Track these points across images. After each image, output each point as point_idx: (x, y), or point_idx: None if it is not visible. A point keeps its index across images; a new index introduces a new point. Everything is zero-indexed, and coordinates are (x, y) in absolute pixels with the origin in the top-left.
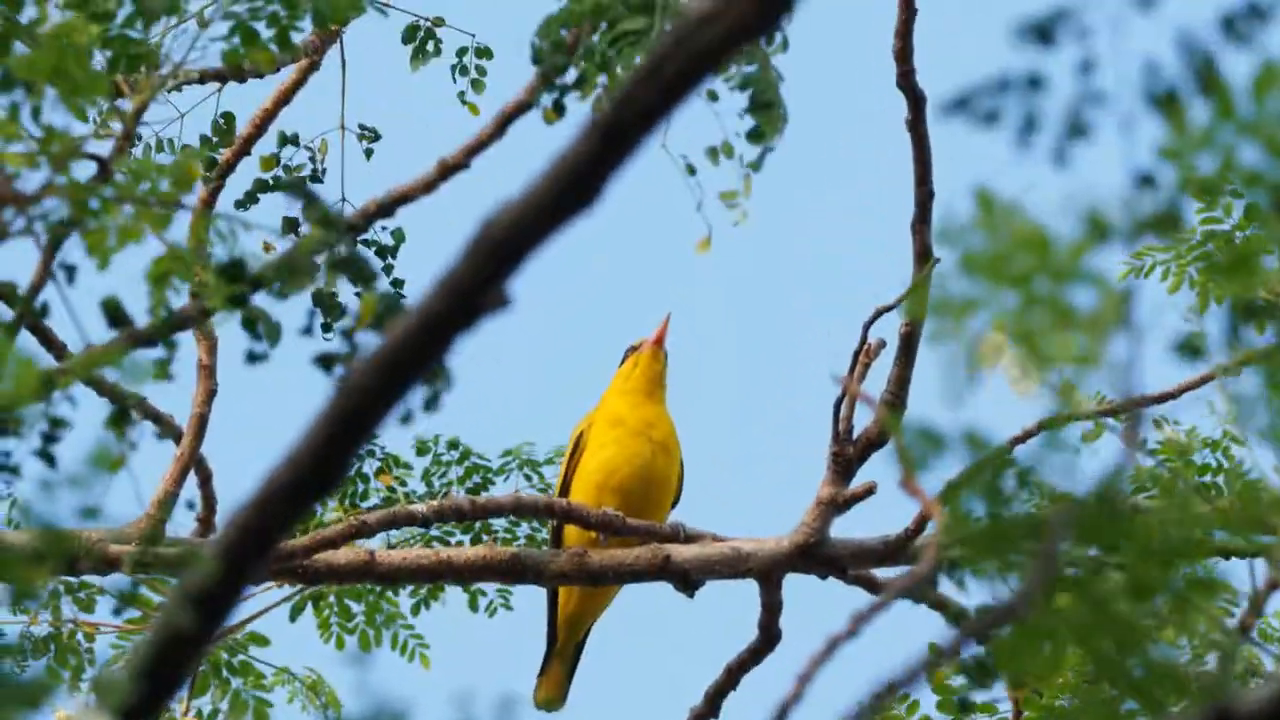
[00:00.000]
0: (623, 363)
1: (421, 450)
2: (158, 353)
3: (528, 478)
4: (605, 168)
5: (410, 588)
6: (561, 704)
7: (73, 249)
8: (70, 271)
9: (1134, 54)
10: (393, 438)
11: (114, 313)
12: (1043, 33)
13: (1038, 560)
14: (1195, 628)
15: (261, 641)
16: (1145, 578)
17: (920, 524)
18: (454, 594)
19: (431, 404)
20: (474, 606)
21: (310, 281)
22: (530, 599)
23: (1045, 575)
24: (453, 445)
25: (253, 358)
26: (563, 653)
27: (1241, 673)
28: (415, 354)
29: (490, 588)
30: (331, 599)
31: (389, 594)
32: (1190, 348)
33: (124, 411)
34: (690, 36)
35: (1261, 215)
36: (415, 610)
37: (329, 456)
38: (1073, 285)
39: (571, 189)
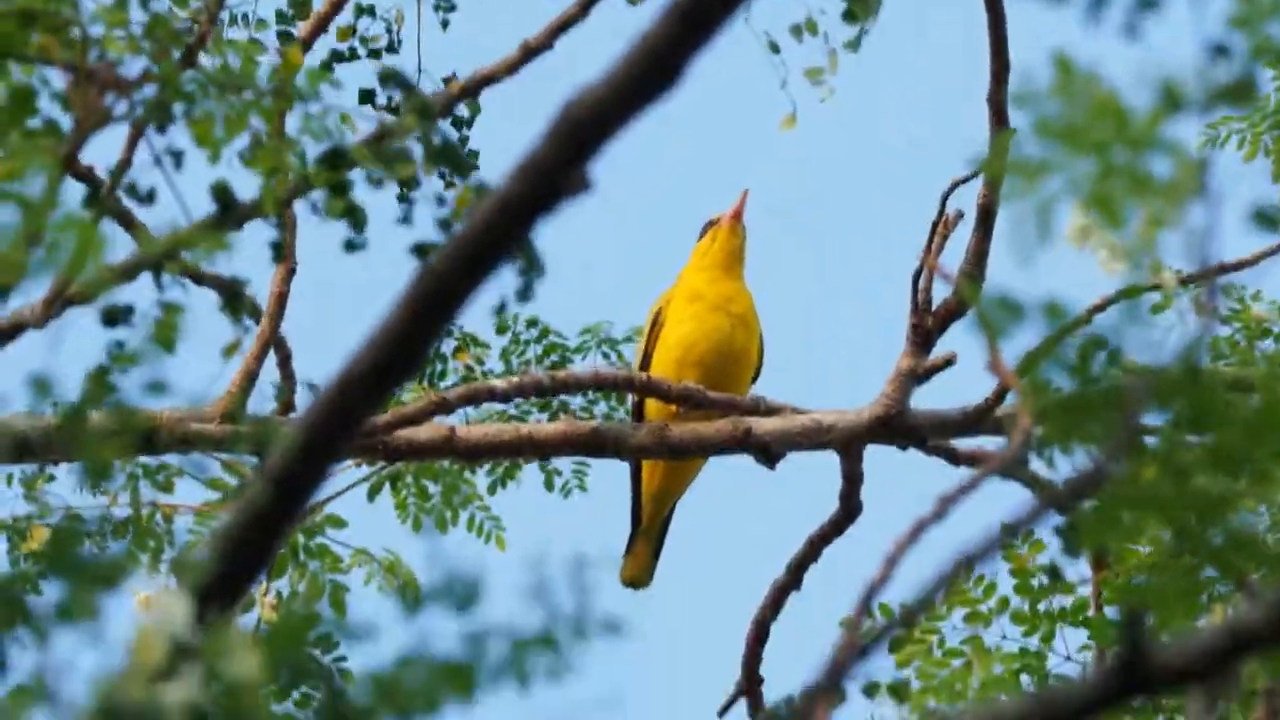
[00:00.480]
0: (700, 238)
1: (500, 329)
2: (272, 234)
3: (605, 355)
4: (685, 49)
5: (487, 468)
6: (648, 581)
7: (179, 136)
8: (177, 157)
9: None
10: (471, 317)
11: (224, 197)
12: None
13: (1119, 429)
14: (1275, 497)
15: (339, 523)
16: (1227, 447)
17: (1000, 394)
18: (530, 474)
19: (525, 293)
20: (550, 486)
21: (408, 171)
22: (606, 479)
23: (1126, 443)
24: (531, 324)
25: (351, 246)
26: (648, 531)
27: None
28: (496, 237)
29: (566, 468)
30: (409, 479)
31: (466, 474)
32: (1266, 217)
33: (238, 294)
34: None
35: None
36: (492, 489)
37: (411, 340)
38: (1149, 154)
39: (652, 71)
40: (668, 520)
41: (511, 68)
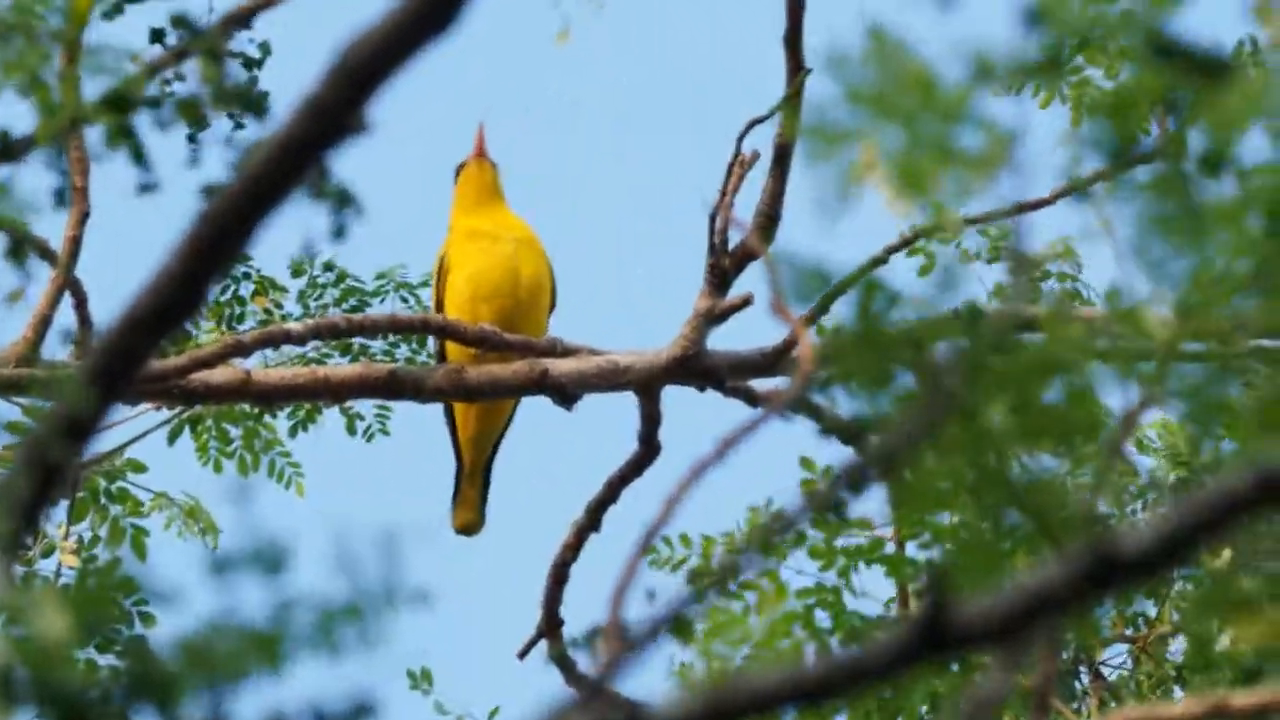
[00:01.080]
0: (455, 183)
1: (297, 272)
2: (54, 179)
3: (404, 300)
4: None
5: (288, 411)
6: (480, 526)
7: None
8: None
9: None
10: (269, 260)
11: (3, 142)
12: None
13: (925, 383)
14: (1074, 444)
15: (139, 468)
16: (1024, 396)
17: (795, 337)
18: (332, 418)
19: (339, 233)
20: (351, 430)
21: (198, 114)
22: (409, 423)
23: (935, 398)
24: (328, 267)
25: (144, 188)
26: (472, 475)
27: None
28: (276, 179)
29: (368, 411)
30: (209, 423)
31: (267, 419)
32: (1075, 187)
33: (20, 242)
34: None
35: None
36: (293, 432)
37: (191, 281)
38: (959, 125)
39: (430, 11)
40: (490, 463)
41: None
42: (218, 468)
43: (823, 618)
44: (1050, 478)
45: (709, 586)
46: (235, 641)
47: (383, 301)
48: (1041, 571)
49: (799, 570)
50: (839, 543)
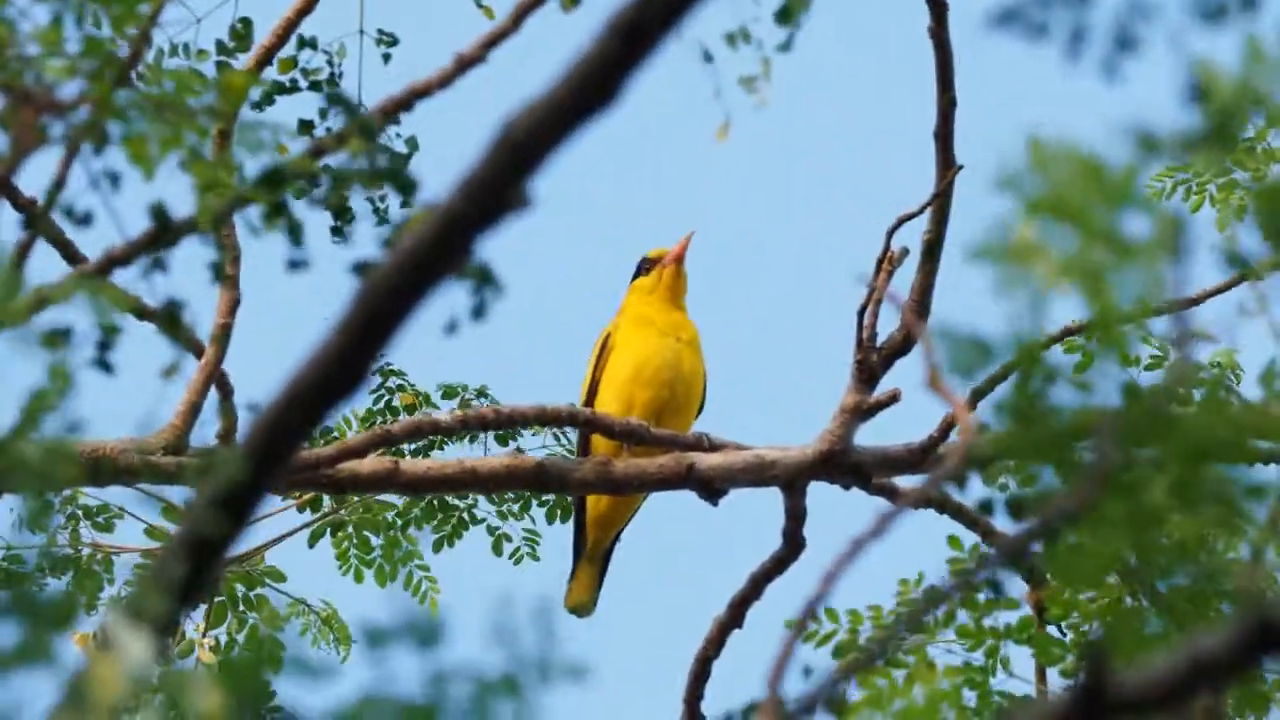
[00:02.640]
0: (637, 274)
1: (448, 394)
2: (210, 255)
3: (556, 438)
4: (624, 67)
5: (432, 527)
6: (592, 608)
7: (114, 157)
8: (114, 179)
9: None
10: (421, 376)
11: (162, 218)
12: None
13: (1090, 467)
14: (1235, 529)
15: (279, 576)
16: (1189, 478)
17: (945, 431)
18: (477, 538)
19: (479, 311)
20: (498, 551)
21: (349, 193)
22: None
23: (1093, 478)
24: (481, 394)
25: (294, 265)
26: (592, 557)
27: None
28: (437, 254)
29: (517, 533)
30: (350, 529)
31: (409, 531)
32: (1236, 259)
33: (176, 316)
34: None
35: None
36: (437, 547)
37: (353, 356)
38: (1126, 211)
39: (591, 89)
40: (611, 548)
41: (445, 80)
42: (359, 577)
43: (970, 697)
44: (1208, 554)
45: (860, 663)
46: (390, 715)
47: (533, 434)
48: (1201, 639)
49: (948, 649)
50: (987, 622)
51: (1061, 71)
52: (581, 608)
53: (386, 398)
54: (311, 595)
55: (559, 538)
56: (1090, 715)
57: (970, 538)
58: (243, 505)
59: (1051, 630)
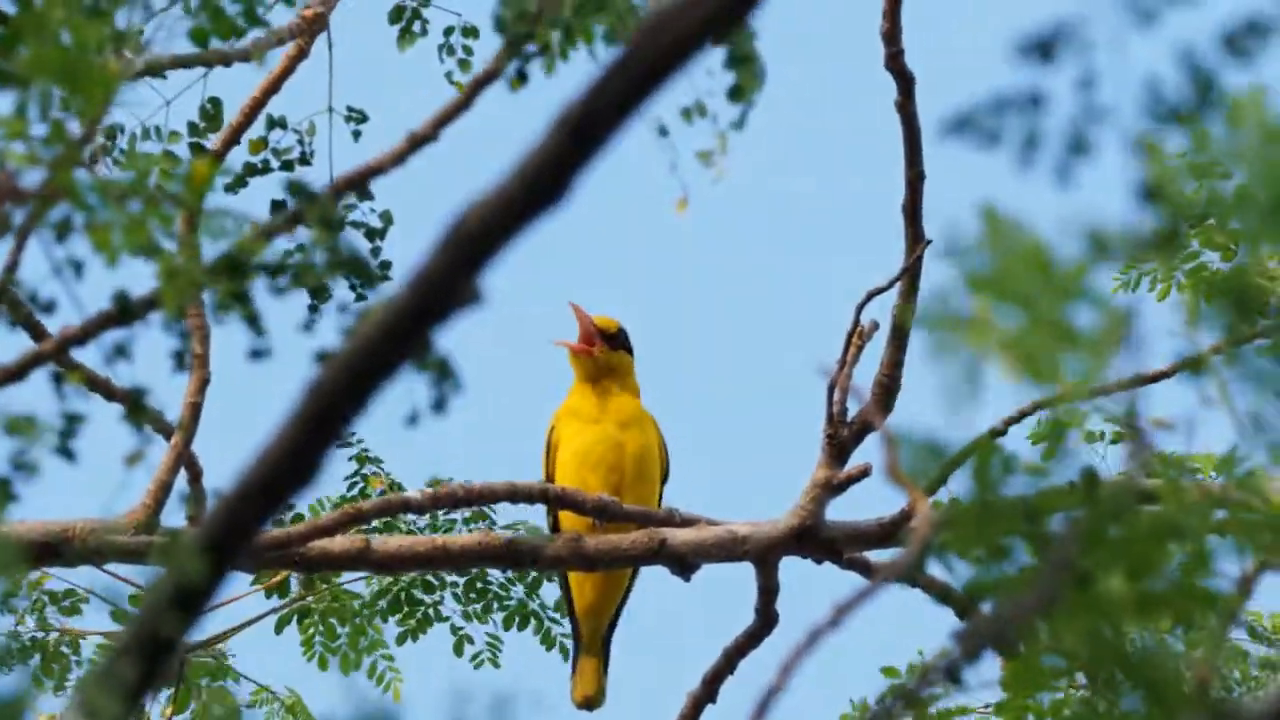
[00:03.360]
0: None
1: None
2: (174, 343)
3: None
4: (575, 164)
5: (397, 620)
6: (602, 700)
7: (79, 245)
8: (78, 267)
9: (1135, 70)
10: (397, 464)
11: (124, 306)
12: (1043, 49)
13: (1045, 553)
14: (1191, 615)
15: (235, 676)
16: (1141, 562)
17: (913, 508)
18: (441, 635)
19: (439, 405)
20: (459, 652)
21: (314, 281)
22: (521, 654)
23: (1055, 569)
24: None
25: (256, 354)
26: (590, 647)
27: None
28: (386, 349)
29: (480, 638)
30: (316, 617)
31: (375, 621)
32: (1192, 364)
33: (139, 403)
34: (662, 28)
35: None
36: (400, 640)
37: (302, 454)
38: (1074, 304)
39: (541, 186)
40: (609, 635)
41: (398, 158)
42: (323, 664)
43: None
44: (1166, 652)
45: None
46: None
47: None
48: None
49: None
50: None
51: (1015, 178)
52: (590, 700)
53: (361, 485)
54: (277, 682)
55: (520, 644)
56: None
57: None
58: (198, 597)
59: None
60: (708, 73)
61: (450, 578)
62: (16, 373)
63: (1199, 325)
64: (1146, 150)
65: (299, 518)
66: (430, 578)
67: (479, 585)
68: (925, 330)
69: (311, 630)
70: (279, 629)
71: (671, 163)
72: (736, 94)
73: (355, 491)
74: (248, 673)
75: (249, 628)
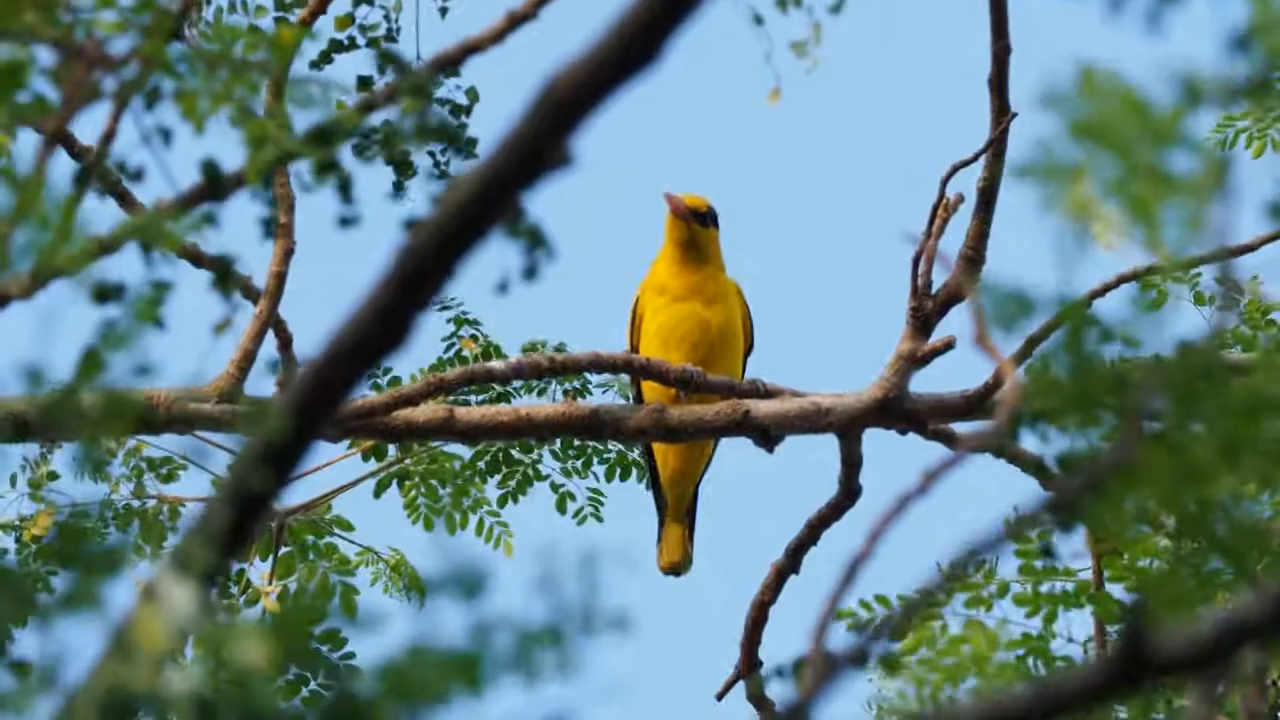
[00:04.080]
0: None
1: (528, 351)
2: (261, 210)
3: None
4: (666, 26)
5: (497, 482)
6: (688, 565)
7: (165, 113)
8: (166, 135)
9: None
10: (494, 326)
11: (212, 175)
12: None
13: (1126, 418)
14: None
15: (346, 525)
16: (1232, 434)
17: (999, 378)
18: (542, 493)
19: (530, 273)
20: (562, 509)
21: (402, 150)
22: (621, 509)
23: (1134, 433)
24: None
25: (344, 222)
26: (675, 515)
27: None
28: (477, 213)
29: (581, 494)
30: (417, 479)
31: (476, 481)
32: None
33: (228, 271)
34: None
35: None
36: (502, 502)
37: (393, 315)
38: (1172, 150)
39: (633, 48)
40: (694, 502)
41: (497, 36)
42: (428, 525)
43: (1032, 666)
44: (1251, 518)
45: (910, 616)
46: (434, 666)
47: (604, 392)
48: (1240, 602)
49: (1005, 619)
50: (1044, 589)
51: (1105, 26)
52: (676, 566)
53: (457, 347)
54: (379, 544)
55: (623, 496)
56: (1131, 677)
57: (1028, 484)
58: (287, 459)
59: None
60: None
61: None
62: (110, 245)
63: None
64: None
65: (395, 381)
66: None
67: (576, 441)
68: (1032, 181)
69: (413, 492)
70: (378, 493)
71: (766, 52)
72: None
73: (450, 354)
74: (350, 537)
75: (347, 492)
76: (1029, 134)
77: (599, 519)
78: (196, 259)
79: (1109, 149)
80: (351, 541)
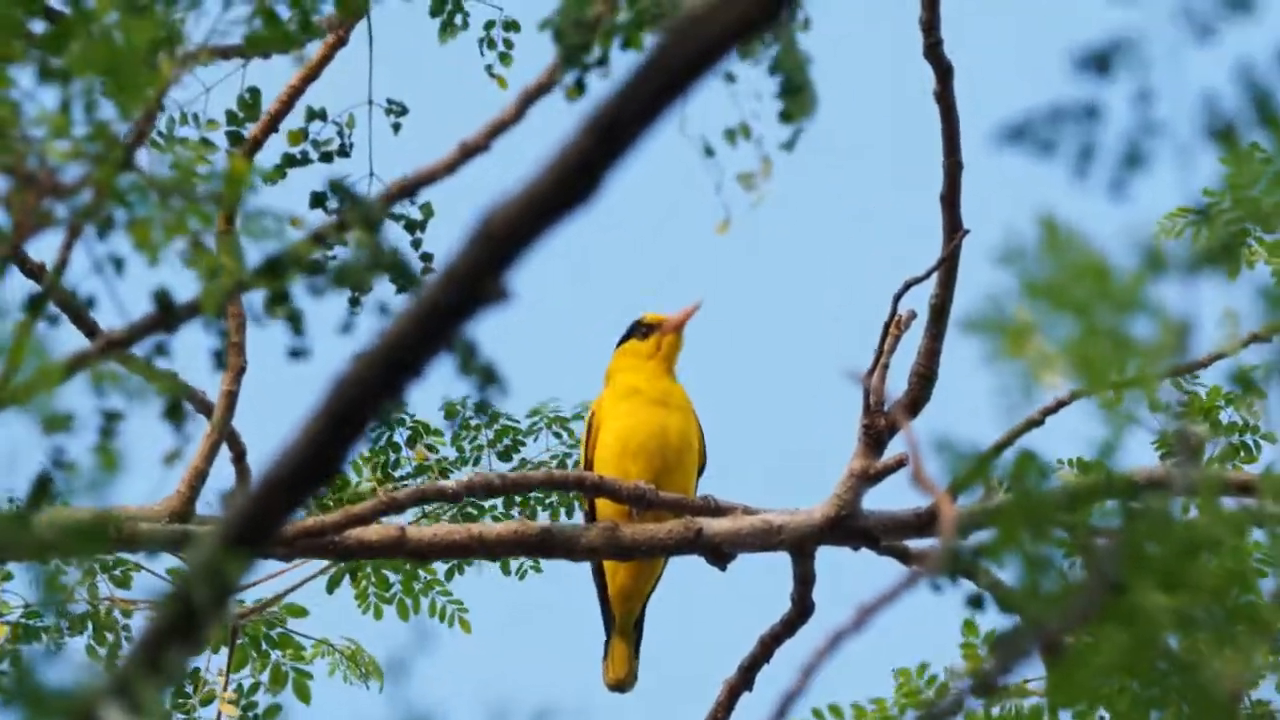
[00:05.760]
0: (629, 336)
1: (450, 414)
2: (213, 341)
3: (557, 435)
4: (603, 163)
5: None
6: (633, 682)
7: (118, 241)
8: (118, 264)
9: (1191, 85)
10: (420, 403)
11: (165, 303)
12: (1100, 63)
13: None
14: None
15: (299, 612)
16: (1181, 582)
17: (940, 510)
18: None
19: (482, 408)
20: (506, 570)
21: (355, 281)
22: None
23: (1095, 594)
24: (478, 409)
25: (295, 354)
26: (623, 630)
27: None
28: (415, 347)
29: None
30: (369, 569)
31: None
32: (1244, 379)
33: (178, 404)
34: (691, 31)
35: None
36: (449, 575)
37: (326, 448)
38: (1132, 315)
39: (569, 185)
40: (642, 618)
41: (450, 167)
42: (378, 614)
43: None
44: (1204, 663)
45: None
46: None
47: (536, 439)
48: None
49: None
50: (996, 711)
51: (1069, 189)
52: (621, 683)
53: (389, 433)
54: (335, 636)
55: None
56: None
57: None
58: (226, 585)
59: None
60: (758, 98)
61: (489, 502)
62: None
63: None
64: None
65: (345, 483)
66: (471, 507)
67: (517, 499)
68: (978, 335)
69: (364, 583)
70: (331, 589)
71: (716, 183)
72: (787, 118)
73: (383, 441)
74: (303, 631)
75: (301, 589)
76: (981, 253)
77: (538, 570)
78: (149, 376)
79: (1067, 310)
80: (306, 635)
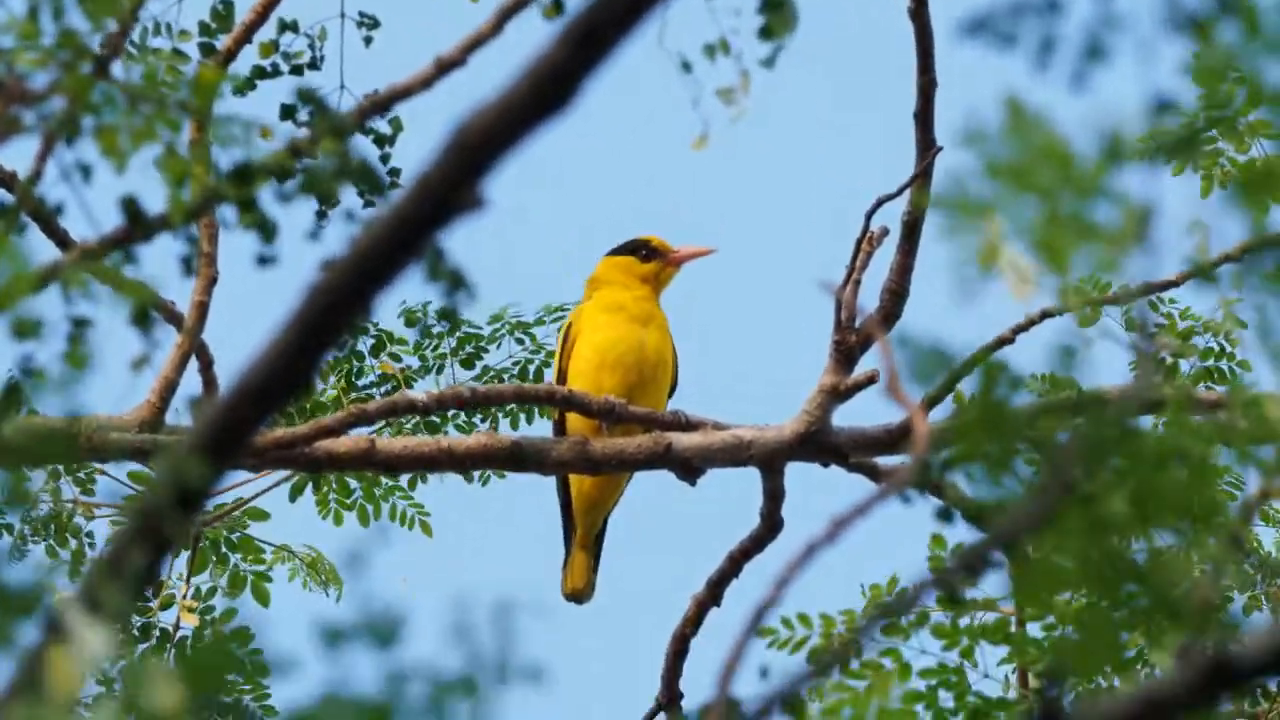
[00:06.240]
0: (628, 251)
1: (410, 321)
2: (182, 248)
3: (519, 341)
4: (578, 72)
5: None
6: (591, 593)
7: (87, 149)
8: (86, 171)
9: None
10: (381, 311)
11: (132, 211)
12: None
13: (1045, 472)
14: (1193, 530)
15: (260, 515)
16: (1149, 488)
17: (913, 423)
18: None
19: (448, 315)
20: (469, 478)
21: (323, 188)
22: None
23: (1052, 488)
24: (442, 316)
25: (263, 260)
26: (583, 542)
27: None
28: (387, 255)
29: None
30: (331, 478)
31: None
32: (1202, 271)
33: (146, 310)
34: None
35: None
36: (412, 484)
37: (300, 355)
38: (1094, 201)
39: (544, 93)
40: (603, 531)
41: (426, 82)
42: (338, 520)
43: (946, 698)
44: (1169, 560)
45: (828, 664)
46: (347, 714)
47: (499, 346)
48: (1160, 677)
49: (922, 650)
50: (963, 622)
51: (1030, 81)
52: (579, 594)
53: (353, 343)
54: (296, 544)
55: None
56: None
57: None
58: (195, 494)
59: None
60: (735, 12)
61: (451, 411)
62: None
63: (1210, 222)
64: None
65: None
66: (434, 416)
67: (480, 412)
68: (941, 212)
69: (326, 490)
70: (294, 497)
71: (694, 98)
72: (766, 34)
73: (346, 349)
74: (264, 538)
75: (263, 497)
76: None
77: (501, 475)
78: (118, 284)
79: (1030, 192)
80: (266, 542)
